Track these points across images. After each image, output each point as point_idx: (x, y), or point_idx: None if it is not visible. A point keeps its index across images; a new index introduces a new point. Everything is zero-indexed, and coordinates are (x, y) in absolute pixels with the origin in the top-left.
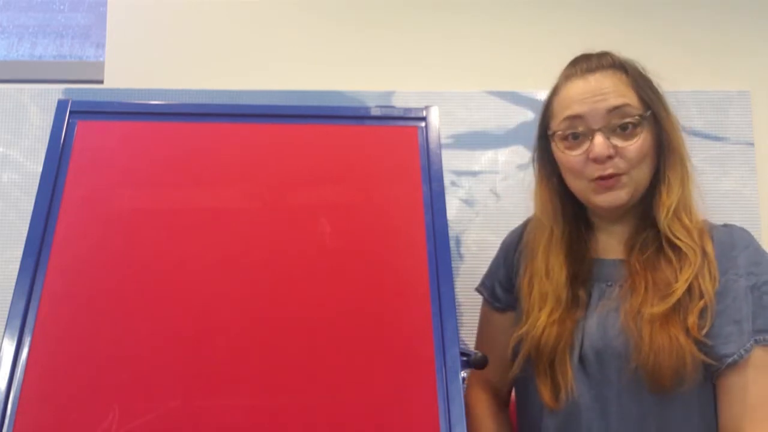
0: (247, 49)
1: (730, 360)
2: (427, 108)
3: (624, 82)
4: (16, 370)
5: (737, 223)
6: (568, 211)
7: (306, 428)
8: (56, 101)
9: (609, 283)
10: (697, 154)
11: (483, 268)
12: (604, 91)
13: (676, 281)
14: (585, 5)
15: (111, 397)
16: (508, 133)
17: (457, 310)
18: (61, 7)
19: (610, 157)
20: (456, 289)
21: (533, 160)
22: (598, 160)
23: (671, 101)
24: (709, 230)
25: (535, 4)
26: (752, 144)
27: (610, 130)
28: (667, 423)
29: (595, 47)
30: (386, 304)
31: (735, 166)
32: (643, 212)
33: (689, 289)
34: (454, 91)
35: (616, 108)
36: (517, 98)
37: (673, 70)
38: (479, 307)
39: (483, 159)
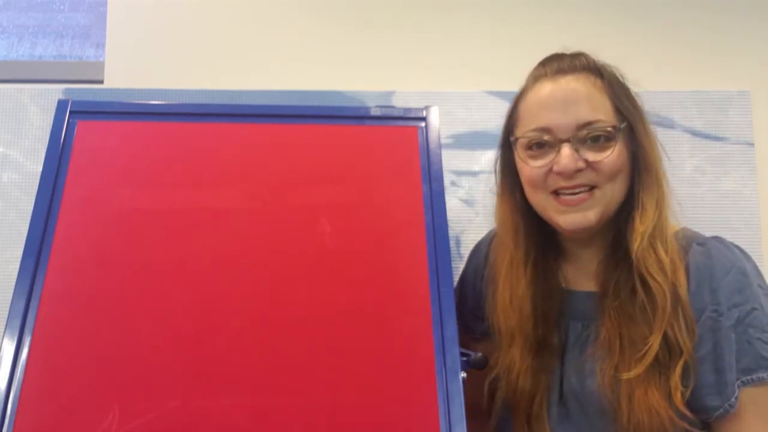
0: (247, 49)
1: (717, 413)
2: (427, 108)
3: (598, 87)
4: (16, 369)
5: (737, 224)
6: (533, 230)
7: (306, 428)
8: (56, 101)
9: (585, 323)
10: (697, 154)
11: None
12: (576, 98)
13: (651, 333)
14: (585, 5)
15: (111, 397)
16: None
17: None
18: (61, 7)
19: (578, 171)
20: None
21: (494, 171)
22: (563, 174)
23: (666, 102)
24: (685, 251)
25: (535, 4)
26: (752, 144)
27: (579, 141)
28: None
29: (595, 47)
30: (386, 305)
31: (735, 166)
32: (614, 237)
33: (666, 341)
34: (454, 91)
35: (587, 124)
36: None
37: (673, 70)
38: None
39: (483, 159)
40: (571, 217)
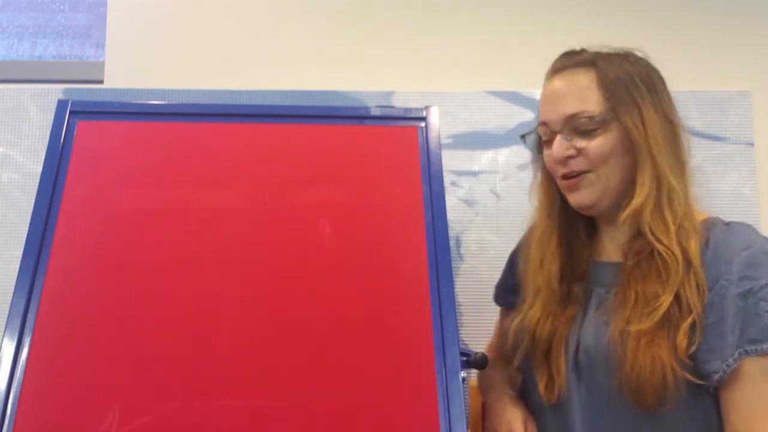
0: (247, 50)
1: (717, 377)
2: (427, 108)
3: (589, 79)
4: (16, 369)
5: None
6: (565, 207)
7: (306, 428)
8: (56, 101)
9: (607, 289)
10: (697, 154)
11: (483, 268)
12: (562, 94)
13: (664, 293)
14: (585, 5)
15: (111, 397)
16: (508, 133)
17: (457, 310)
18: (61, 7)
19: (570, 158)
20: (456, 289)
21: (533, 154)
22: (557, 161)
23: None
24: (708, 230)
25: (535, 4)
26: (752, 144)
27: (571, 132)
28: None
29: (595, 47)
30: (386, 304)
31: (735, 166)
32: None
33: (678, 301)
34: (454, 91)
35: (572, 116)
36: (517, 98)
37: (673, 70)
38: (479, 307)
39: (483, 159)
40: (573, 196)
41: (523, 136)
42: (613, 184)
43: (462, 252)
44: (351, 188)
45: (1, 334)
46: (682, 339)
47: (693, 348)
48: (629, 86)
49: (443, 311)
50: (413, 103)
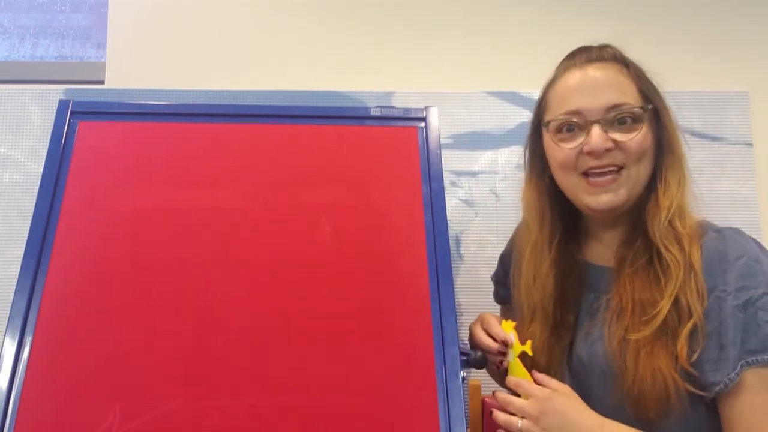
0: (247, 50)
1: (717, 389)
2: (426, 108)
3: (624, 75)
4: (17, 369)
5: (736, 224)
6: (559, 214)
7: (306, 428)
8: (57, 102)
9: (597, 294)
10: (696, 155)
11: (483, 268)
12: (604, 84)
13: (662, 298)
14: (584, 6)
15: (111, 397)
16: (508, 134)
17: (456, 310)
18: (63, 7)
19: (607, 150)
20: (456, 289)
21: (524, 158)
22: (594, 154)
23: (670, 103)
24: (701, 237)
25: (534, 4)
26: (751, 144)
27: (608, 124)
28: None
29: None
30: (386, 304)
31: (734, 166)
32: (636, 218)
33: (677, 307)
34: (453, 91)
35: (615, 106)
36: (516, 99)
37: (673, 70)
38: (479, 307)
39: (482, 159)
40: (602, 197)
41: (547, 123)
42: (641, 183)
43: (462, 252)
44: (351, 188)
45: (3, 334)
46: (682, 346)
47: (694, 356)
48: (654, 88)
49: (443, 311)
50: (413, 103)
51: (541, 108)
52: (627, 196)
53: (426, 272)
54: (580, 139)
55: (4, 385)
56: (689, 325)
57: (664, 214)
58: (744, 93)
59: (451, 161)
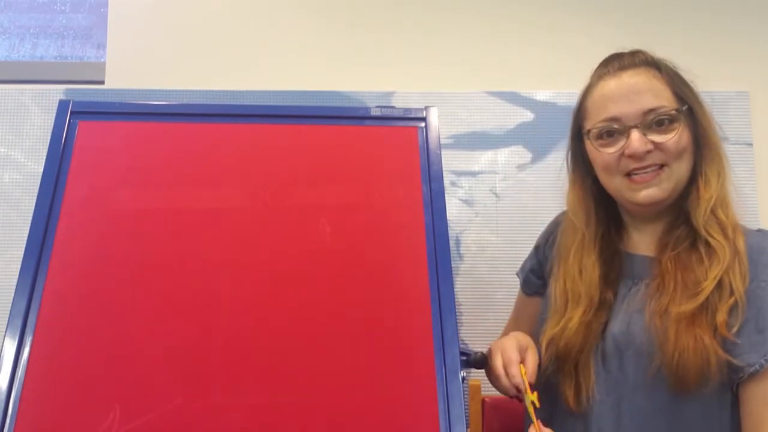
0: (247, 50)
1: (752, 369)
2: (426, 108)
3: (658, 78)
4: (17, 369)
5: None
6: (601, 212)
7: (306, 428)
8: (57, 102)
9: (635, 280)
10: None
11: (483, 268)
12: (639, 89)
13: (706, 279)
14: (585, 6)
15: (111, 397)
16: (508, 134)
17: (456, 310)
18: (63, 8)
19: (648, 152)
20: (456, 289)
21: (567, 162)
22: (634, 156)
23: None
24: (744, 232)
25: (534, 4)
26: (751, 144)
27: (646, 127)
28: (679, 422)
29: (595, 48)
30: (386, 304)
31: (734, 166)
32: (677, 210)
33: (719, 286)
34: (454, 91)
35: (652, 110)
36: (516, 99)
37: None
38: (479, 306)
39: (482, 159)
40: (646, 192)
41: (588, 131)
42: (683, 179)
43: (462, 252)
44: (351, 188)
45: (3, 334)
46: (723, 319)
47: (734, 328)
48: (688, 86)
49: (443, 311)
50: (413, 103)
51: (579, 116)
52: (670, 191)
53: (426, 272)
54: (621, 143)
55: (4, 385)
56: (730, 301)
57: (707, 205)
58: (744, 93)
59: (451, 161)
